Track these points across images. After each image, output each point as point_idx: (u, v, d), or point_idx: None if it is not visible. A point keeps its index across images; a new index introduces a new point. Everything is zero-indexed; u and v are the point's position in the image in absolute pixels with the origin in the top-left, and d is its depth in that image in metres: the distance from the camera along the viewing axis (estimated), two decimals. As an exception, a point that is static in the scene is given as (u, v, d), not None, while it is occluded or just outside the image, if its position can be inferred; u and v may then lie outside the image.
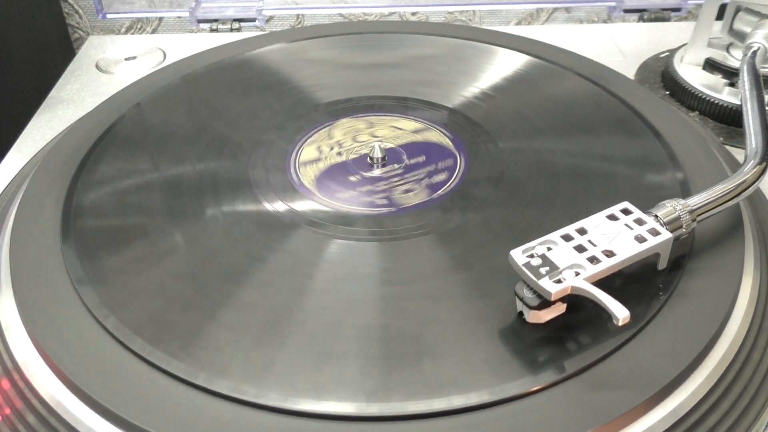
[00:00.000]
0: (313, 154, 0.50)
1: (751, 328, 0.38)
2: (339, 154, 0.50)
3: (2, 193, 0.52)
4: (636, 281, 0.38)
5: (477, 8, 0.93)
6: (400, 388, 0.33)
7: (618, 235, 0.37)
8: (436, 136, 0.51)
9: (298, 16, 0.93)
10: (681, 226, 0.38)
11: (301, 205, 0.45)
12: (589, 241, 0.36)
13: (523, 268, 0.35)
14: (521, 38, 0.63)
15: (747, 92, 0.49)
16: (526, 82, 0.57)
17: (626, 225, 0.37)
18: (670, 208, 0.38)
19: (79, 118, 0.55)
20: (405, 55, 0.61)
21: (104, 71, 0.69)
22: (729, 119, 0.58)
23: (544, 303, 0.34)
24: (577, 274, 0.34)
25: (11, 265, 0.41)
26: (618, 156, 0.48)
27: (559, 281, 0.34)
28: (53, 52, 0.88)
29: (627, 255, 0.36)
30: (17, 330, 0.38)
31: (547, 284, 0.34)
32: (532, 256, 0.35)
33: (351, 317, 0.37)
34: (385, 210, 0.45)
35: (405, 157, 0.49)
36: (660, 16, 0.78)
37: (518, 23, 0.94)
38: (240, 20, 0.80)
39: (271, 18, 0.93)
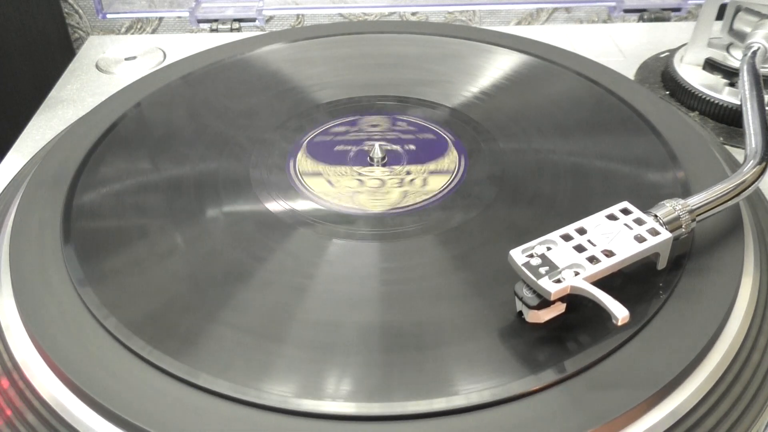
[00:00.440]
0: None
1: (751, 328, 0.38)
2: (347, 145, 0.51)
3: (2, 193, 0.52)
4: (636, 281, 0.38)
5: (477, 8, 0.93)
6: (401, 388, 0.33)
7: (617, 234, 0.37)
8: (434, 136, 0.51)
9: (298, 16, 0.93)
10: (680, 226, 0.38)
11: (302, 205, 0.45)
12: (589, 241, 0.36)
13: (523, 268, 0.35)
14: (521, 38, 0.63)
15: (747, 92, 0.49)
16: (526, 82, 0.57)
17: (626, 225, 0.37)
18: (670, 207, 0.38)
19: (79, 118, 0.55)
20: (405, 55, 0.61)
21: (104, 71, 0.69)
22: (729, 119, 0.58)
23: (544, 303, 0.34)
24: (577, 273, 0.34)
25: (11, 265, 0.41)
26: (618, 156, 0.48)
27: (558, 281, 0.34)
28: (53, 52, 0.88)
29: (626, 255, 0.36)
30: (17, 330, 0.38)
31: (546, 284, 0.34)
32: (531, 255, 0.35)
33: (351, 317, 0.37)
34: (385, 210, 0.45)
35: (404, 161, 0.49)
36: (660, 16, 0.78)
37: (518, 23, 0.94)
38: (240, 20, 0.80)
39: (271, 18, 0.93)
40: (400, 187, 0.47)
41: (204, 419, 0.32)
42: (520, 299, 0.35)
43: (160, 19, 0.95)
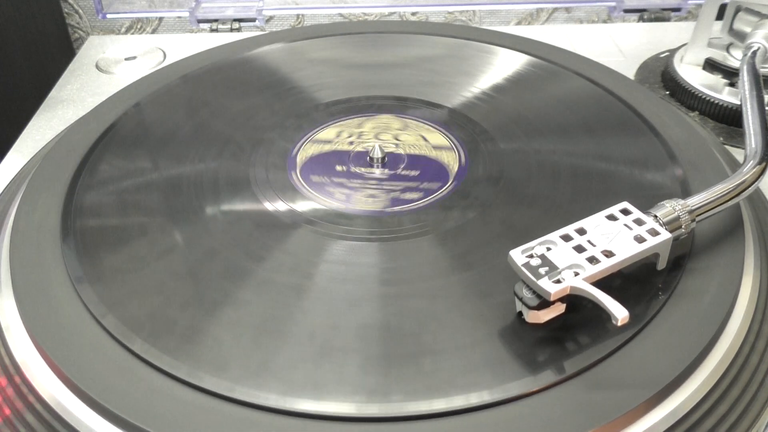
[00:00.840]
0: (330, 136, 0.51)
1: (751, 328, 0.38)
2: (350, 143, 0.51)
3: (2, 193, 0.52)
4: (636, 281, 0.38)
5: (477, 8, 0.93)
6: (400, 387, 0.33)
7: (617, 235, 0.37)
8: (449, 157, 0.49)
9: (298, 16, 0.93)
10: (680, 227, 0.38)
11: (301, 205, 0.45)
12: (589, 242, 0.36)
13: (523, 268, 0.35)
14: (521, 38, 0.63)
15: (747, 92, 0.49)
16: (526, 82, 0.57)
17: (625, 225, 0.37)
18: (670, 208, 0.38)
19: (79, 118, 0.55)
20: (405, 55, 0.61)
21: (104, 71, 0.69)
22: (729, 119, 0.58)
23: (544, 303, 0.34)
24: (577, 274, 0.34)
25: (11, 265, 0.41)
26: (618, 156, 0.48)
27: (558, 281, 0.34)
28: (53, 52, 0.88)
29: (626, 255, 0.36)
30: (17, 330, 0.38)
31: (546, 284, 0.34)
32: (531, 256, 0.35)
33: (350, 317, 0.37)
34: (384, 210, 0.45)
35: (402, 165, 0.49)
36: (660, 16, 0.78)
37: (518, 23, 0.94)
38: (240, 20, 0.80)
39: (271, 18, 0.93)
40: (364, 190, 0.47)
41: (203, 419, 0.32)
42: (520, 299, 0.35)
43: (160, 19, 0.95)
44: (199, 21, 0.80)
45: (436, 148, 0.50)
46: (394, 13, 0.94)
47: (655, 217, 0.38)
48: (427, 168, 0.49)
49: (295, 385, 0.33)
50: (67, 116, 0.62)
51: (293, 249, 0.42)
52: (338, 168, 0.49)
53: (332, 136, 0.52)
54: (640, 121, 0.51)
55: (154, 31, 0.96)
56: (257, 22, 0.80)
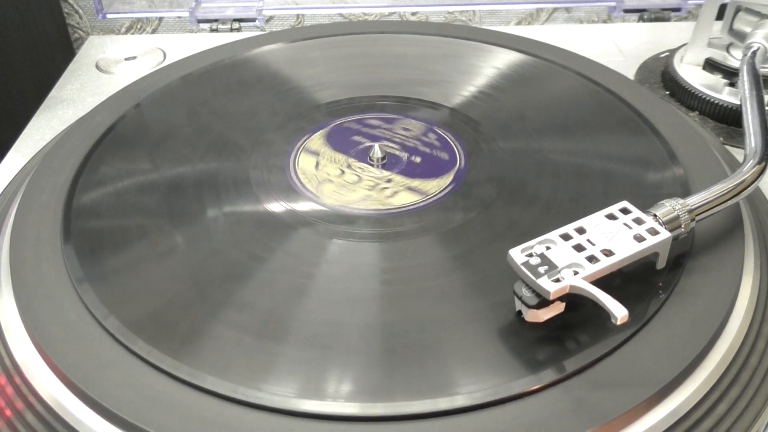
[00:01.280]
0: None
1: (751, 328, 0.38)
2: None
3: (2, 193, 0.52)
4: (636, 280, 0.38)
5: (477, 8, 0.93)
6: (402, 388, 0.33)
7: (617, 234, 0.37)
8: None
9: (298, 16, 0.93)
10: (680, 226, 0.38)
11: (302, 205, 0.45)
12: (588, 241, 0.36)
13: (522, 267, 0.35)
14: (521, 38, 0.63)
15: (747, 92, 0.49)
16: (526, 82, 0.57)
17: (625, 224, 0.37)
18: (669, 207, 0.38)
19: (79, 118, 0.55)
20: (405, 55, 0.61)
21: (104, 71, 0.69)
22: (729, 119, 0.58)
23: (543, 302, 0.34)
24: (576, 273, 0.34)
25: (11, 265, 0.41)
26: (618, 156, 0.48)
27: (557, 280, 0.34)
28: (53, 52, 0.88)
29: (626, 254, 0.36)
30: (17, 330, 0.38)
31: (545, 283, 0.34)
32: (530, 255, 0.35)
33: (352, 317, 0.37)
34: (385, 210, 0.45)
35: (400, 167, 0.49)
36: (660, 16, 0.78)
37: (518, 23, 0.94)
38: (240, 20, 0.80)
39: (271, 18, 0.93)
40: (369, 190, 0.47)
41: (204, 419, 0.32)
42: (520, 298, 0.35)
43: (160, 19, 0.95)
44: (199, 21, 0.80)
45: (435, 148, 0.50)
46: (394, 13, 0.94)
47: (655, 216, 0.38)
48: (426, 166, 0.49)
49: (297, 386, 0.33)
50: (67, 116, 0.62)
51: (294, 249, 0.42)
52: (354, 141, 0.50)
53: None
54: (640, 121, 0.51)
55: (154, 31, 0.96)
56: (257, 22, 0.80)
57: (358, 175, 0.48)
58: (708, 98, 0.58)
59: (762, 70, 0.52)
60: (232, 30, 0.79)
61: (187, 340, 0.36)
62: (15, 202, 0.47)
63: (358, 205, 0.45)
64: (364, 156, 0.50)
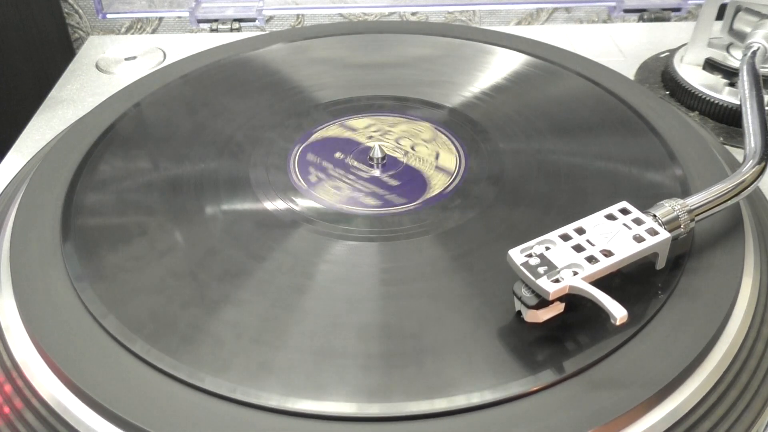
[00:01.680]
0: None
1: (751, 328, 0.38)
2: (369, 137, 0.52)
3: (2, 193, 0.52)
4: (636, 281, 0.38)
5: (477, 8, 0.93)
6: (401, 387, 0.33)
7: (616, 234, 0.37)
8: (441, 181, 0.48)
9: (298, 16, 0.93)
10: (679, 226, 0.38)
11: (301, 205, 0.45)
12: (588, 241, 0.36)
13: (522, 268, 0.35)
14: (521, 38, 0.63)
15: (746, 92, 0.49)
16: (526, 82, 0.57)
17: (624, 225, 0.37)
18: (669, 207, 0.38)
19: (79, 118, 0.55)
20: (405, 55, 0.61)
21: (104, 71, 0.69)
22: (729, 119, 0.58)
23: (543, 302, 0.34)
24: (575, 273, 0.34)
25: (11, 265, 0.41)
26: (618, 156, 0.48)
27: (557, 281, 0.34)
28: (53, 52, 0.88)
29: (625, 255, 0.36)
30: (17, 330, 0.38)
31: (545, 284, 0.34)
32: (530, 255, 0.35)
33: (351, 317, 0.37)
34: (385, 210, 0.45)
35: (392, 172, 0.49)
36: (660, 16, 0.78)
37: (518, 23, 0.94)
38: (240, 20, 0.80)
39: (271, 18, 0.93)
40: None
41: (203, 419, 0.32)
42: (519, 299, 0.35)
43: (160, 19, 0.95)
44: (199, 21, 0.80)
45: (438, 168, 0.49)
46: (394, 13, 0.94)
47: (654, 216, 0.38)
48: (408, 183, 0.48)
49: (296, 386, 0.33)
50: (67, 116, 0.62)
51: (293, 249, 0.42)
52: (336, 155, 0.49)
53: (361, 126, 0.53)
54: (640, 121, 0.51)
55: (154, 31, 0.96)
56: (257, 22, 0.80)
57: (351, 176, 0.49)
58: (708, 98, 0.58)
59: (762, 70, 0.52)
60: (232, 30, 0.79)
61: (186, 340, 0.36)
62: (15, 202, 0.47)
63: (355, 203, 0.45)
64: (363, 156, 0.50)
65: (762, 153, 0.43)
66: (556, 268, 0.35)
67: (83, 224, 0.43)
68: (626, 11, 0.80)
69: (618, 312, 0.32)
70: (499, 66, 0.59)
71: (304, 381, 0.34)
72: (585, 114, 0.53)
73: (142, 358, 0.35)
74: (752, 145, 0.44)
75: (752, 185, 0.41)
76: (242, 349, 0.35)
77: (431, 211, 0.45)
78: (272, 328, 0.37)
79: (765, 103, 0.48)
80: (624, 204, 0.39)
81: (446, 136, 0.51)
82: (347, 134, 0.52)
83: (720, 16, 0.60)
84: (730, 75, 0.59)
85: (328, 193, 0.46)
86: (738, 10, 0.59)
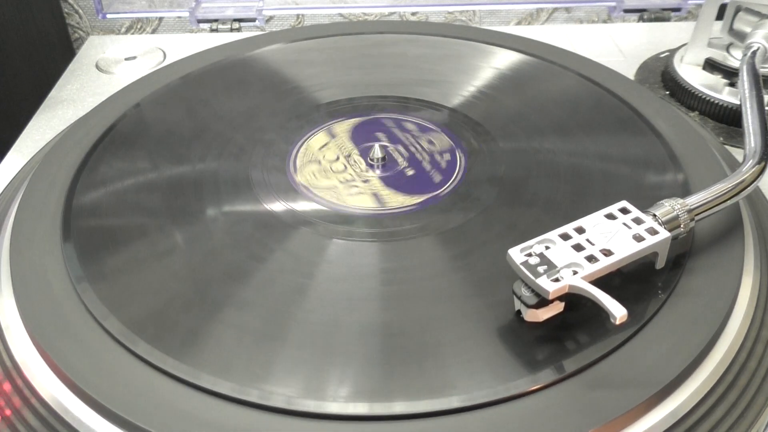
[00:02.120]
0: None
1: (751, 328, 0.38)
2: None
3: (2, 193, 0.52)
4: (636, 280, 0.38)
5: (477, 8, 0.93)
6: (402, 387, 0.33)
7: (616, 234, 0.37)
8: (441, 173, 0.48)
9: (298, 16, 0.93)
10: (679, 226, 0.38)
11: (301, 205, 0.45)
12: (587, 240, 0.36)
13: (521, 267, 0.35)
14: (521, 38, 0.63)
15: (746, 92, 0.49)
16: (526, 82, 0.57)
17: (624, 224, 0.37)
18: (669, 207, 0.38)
19: (79, 118, 0.55)
20: (405, 55, 0.61)
21: (104, 71, 0.69)
22: (729, 119, 0.58)
23: (542, 302, 0.34)
24: (575, 272, 0.35)
25: (11, 265, 0.41)
26: (618, 156, 0.48)
27: (556, 280, 0.34)
28: (53, 52, 0.88)
29: (625, 254, 0.36)
30: (17, 330, 0.38)
31: (544, 283, 0.34)
32: (530, 254, 0.35)
33: (352, 317, 0.37)
34: (385, 210, 0.45)
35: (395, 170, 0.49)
36: (660, 16, 0.78)
37: (518, 23, 0.94)
38: (240, 20, 0.80)
39: (271, 18, 0.93)
40: (340, 182, 0.47)
41: (204, 419, 0.32)
42: (519, 298, 0.35)
43: (160, 19, 0.95)
44: (199, 21, 0.80)
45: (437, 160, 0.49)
46: (394, 13, 0.94)
47: (654, 216, 0.38)
48: (410, 182, 0.48)
49: (297, 386, 0.34)
50: (67, 116, 0.62)
51: (294, 249, 0.42)
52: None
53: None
54: (640, 121, 0.51)
55: (154, 31, 0.96)
56: (257, 22, 0.80)
57: (345, 166, 0.48)
58: (708, 98, 0.58)
59: (762, 70, 0.52)
60: (232, 30, 0.79)
61: (187, 340, 0.36)
62: (15, 202, 0.47)
63: (349, 202, 0.45)
64: (366, 152, 0.50)
65: (762, 153, 0.43)
66: (555, 267, 0.35)
67: (83, 224, 0.43)
68: (626, 11, 0.80)
69: (618, 311, 0.32)
70: (499, 66, 0.59)
71: (305, 381, 0.34)
72: (585, 114, 0.53)
73: (143, 358, 0.35)
74: (752, 144, 0.44)
75: (752, 185, 0.41)
76: (243, 350, 0.35)
77: (431, 211, 0.45)
78: (273, 329, 0.37)
79: (765, 103, 0.48)
80: (624, 203, 0.39)
81: (450, 141, 0.51)
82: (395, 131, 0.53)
83: (720, 16, 0.60)
84: (730, 75, 0.59)
85: (311, 173, 0.48)
86: (738, 10, 0.59)
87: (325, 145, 0.50)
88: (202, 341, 0.36)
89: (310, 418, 0.32)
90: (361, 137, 0.52)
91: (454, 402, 0.32)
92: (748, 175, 0.41)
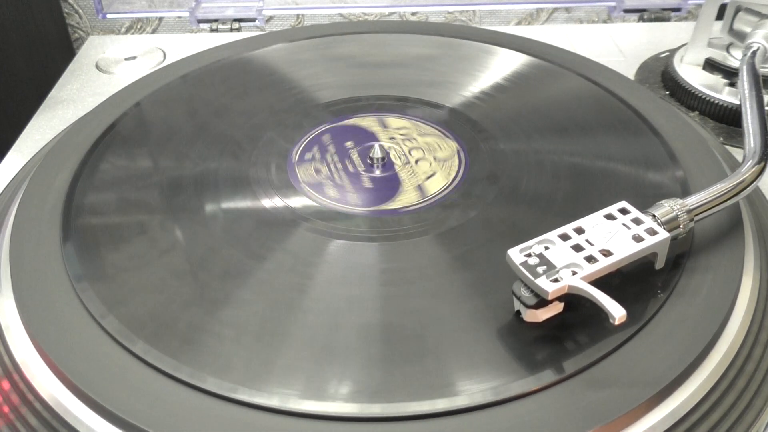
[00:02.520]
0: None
1: (752, 328, 0.38)
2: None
3: (2, 193, 0.52)
4: (636, 280, 0.38)
5: (477, 8, 0.93)
6: (402, 387, 0.33)
7: (615, 234, 0.37)
8: (409, 198, 0.47)
9: (298, 16, 0.93)
10: (678, 226, 0.38)
11: (301, 205, 0.45)
12: (587, 241, 0.36)
13: (521, 267, 0.35)
14: (521, 38, 0.63)
15: (746, 92, 0.49)
16: (526, 82, 0.57)
17: (624, 224, 0.37)
18: (668, 207, 0.38)
19: (79, 118, 0.55)
20: (405, 55, 0.61)
21: (104, 71, 0.69)
22: (729, 119, 0.58)
23: (542, 302, 0.34)
24: (575, 273, 0.35)
25: (11, 265, 0.41)
26: (618, 156, 0.48)
27: (556, 280, 0.34)
28: (53, 52, 0.88)
29: (624, 254, 0.36)
30: (17, 330, 0.38)
31: (544, 283, 0.34)
32: (529, 255, 0.35)
33: (352, 317, 0.37)
34: (384, 210, 0.45)
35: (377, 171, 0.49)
36: (660, 16, 0.78)
37: (518, 23, 0.94)
38: (240, 20, 0.80)
39: (271, 18, 0.93)
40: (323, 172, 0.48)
41: (204, 419, 0.32)
42: (518, 298, 0.35)
43: (160, 19, 0.95)
44: (199, 21, 0.80)
45: (419, 187, 0.48)
46: (394, 13, 0.94)
47: (654, 216, 0.38)
48: (379, 190, 0.47)
49: (296, 386, 0.33)
50: (67, 116, 0.62)
51: (294, 248, 0.42)
52: (347, 144, 0.51)
53: (394, 125, 0.53)
54: (640, 121, 0.51)
55: (154, 31, 0.96)
56: (257, 22, 0.80)
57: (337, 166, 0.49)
58: (708, 98, 0.58)
59: (762, 70, 0.52)
60: (232, 30, 0.79)
61: (187, 340, 0.36)
62: (15, 202, 0.47)
63: (355, 203, 0.45)
64: (366, 152, 0.50)
65: (761, 153, 0.43)
66: (555, 267, 0.35)
67: (83, 224, 0.43)
68: (626, 11, 0.80)
69: (617, 312, 0.32)
70: (499, 66, 0.59)
71: (304, 381, 0.34)
72: (585, 114, 0.53)
73: (142, 358, 0.35)
74: (752, 144, 0.44)
75: (752, 185, 0.41)
76: (243, 349, 0.35)
77: (431, 211, 0.45)
78: (273, 328, 0.37)
79: (765, 103, 0.48)
80: (623, 204, 0.39)
81: (458, 155, 0.50)
82: (375, 129, 0.52)
83: (720, 16, 0.60)
84: (730, 75, 0.59)
85: (307, 174, 0.48)
86: (738, 10, 0.59)
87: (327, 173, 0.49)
88: (201, 340, 0.36)
89: (310, 418, 0.32)
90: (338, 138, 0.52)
91: (454, 402, 0.32)
92: (747, 175, 0.41)
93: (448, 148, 0.50)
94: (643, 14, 0.79)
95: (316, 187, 0.47)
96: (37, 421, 0.35)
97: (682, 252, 0.40)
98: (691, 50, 0.62)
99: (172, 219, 0.44)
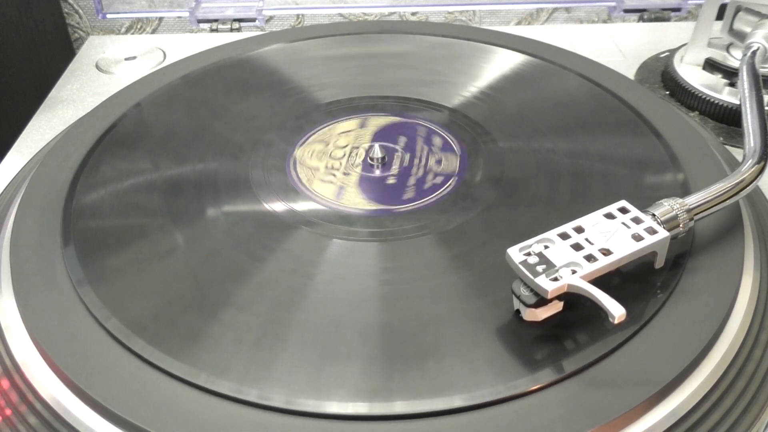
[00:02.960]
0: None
1: (752, 327, 0.38)
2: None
3: (2, 193, 0.52)
4: (635, 280, 0.38)
5: (477, 8, 0.93)
6: (402, 387, 0.33)
7: (615, 233, 0.37)
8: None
9: (298, 16, 0.93)
10: (678, 225, 0.38)
11: (301, 206, 0.45)
12: (586, 240, 0.36)
13: (520, 266, 0.35)
14: (521, 38, 0.63)
15: (746, 92, 0.49)
16: (526, 82, 0.57)
17: (623, 223, 0.37)
18: (668, 207, 0.38)
19: (79, 118, 0.55)
20: (405, 55, 0.61)
21: (104, 71, 0.69)
22: (729, 119, 0.58)
23: (541, 301, 0.34)
24: (574, 272, 0.35)
25: (11, 265, 0.41)
26: (618, 156, 0.48)
27: (555, 279, 0.34)
28: (53, 52, 0.88)
29: (624, 253, 0.36)
30: (17, 330, 0.38)
31: (543, 282, 0.34)
32: (529, 254, 0.35)
33: (352, 317, 0.37)
34: (384, 210, 0.45)
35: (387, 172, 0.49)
36: (660, 16, 0.78)
37: (518, 23, 0.94)
38: (240, 20, 0.80)
39: (271, 18, 0.93)
40: (325, 168, 0.48)
41: (204, 419, 0.32)
42: (518, 297, 0.35)
43: (160, 19, 0.95)
44: (199, 21, 0.80)
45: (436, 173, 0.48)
46: (394, 13, 0.94)
47: (653, 215, 0.38)
48: (381, 192, 0.47)
49: (297, 386, 0.34)
50: (67, 116, 0.62)
51: (294, 250, 0.42)
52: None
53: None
54: (640, 121, 0.51)
55: (154, 31, 0.96)
56: (257, 22, 0.80)
57: (344, 154, 0.50)
58: (708, 98, 0.58)
59: (762, 70, 0.52)
60: (232, 30, 0.79)
61: (188, 340, 0.36)
62: (15, 202, 0.47)
63: (352, 201, 0.45)
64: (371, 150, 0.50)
65: (761, 152, 0.43)
66: (554, 266, 0.35)
67: (83, 224, 0.43)
68: (626, 11, 0.80)
69: (616, 311, 0.32)
70: (499, 66, 0.59)
71: (305, 381, 0.34)
72: (585, 114, 0.53)
73: (143, 358, 0.35)
74: (751, 144, 0.44)
75: (752, 184, 0.41)
76: (244, 350, 0.35)
77: (431, 211, 0.45)
78: (273, 329, 0.37)
79: (765, 103, 0.48)
80: (623, 203, 0.39)
81: (458, 155, 0.50)
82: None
83: (720, 16, 0.60)
84: (730, 75, 0.59)
85: (307, 174, 0.48)
86: (738, 10, 0.59)
87: (350, 131, 0.51)
88: (202, 341, 0.36)
89: (310, 418, 0.32)
90: (384, 136, 0.52)
91: (454, 402, 0.32)
92: (747, 174, 0.41)
93: (447, 148, 0.50)
94: (643, 14, 0.79)
95: (304, 165, 0.47)
96: (37, 421, 0.35)
97: (682, 251, 0.40)
98: (691, 50, 0.62)
99: (172, 219, 0.44)
